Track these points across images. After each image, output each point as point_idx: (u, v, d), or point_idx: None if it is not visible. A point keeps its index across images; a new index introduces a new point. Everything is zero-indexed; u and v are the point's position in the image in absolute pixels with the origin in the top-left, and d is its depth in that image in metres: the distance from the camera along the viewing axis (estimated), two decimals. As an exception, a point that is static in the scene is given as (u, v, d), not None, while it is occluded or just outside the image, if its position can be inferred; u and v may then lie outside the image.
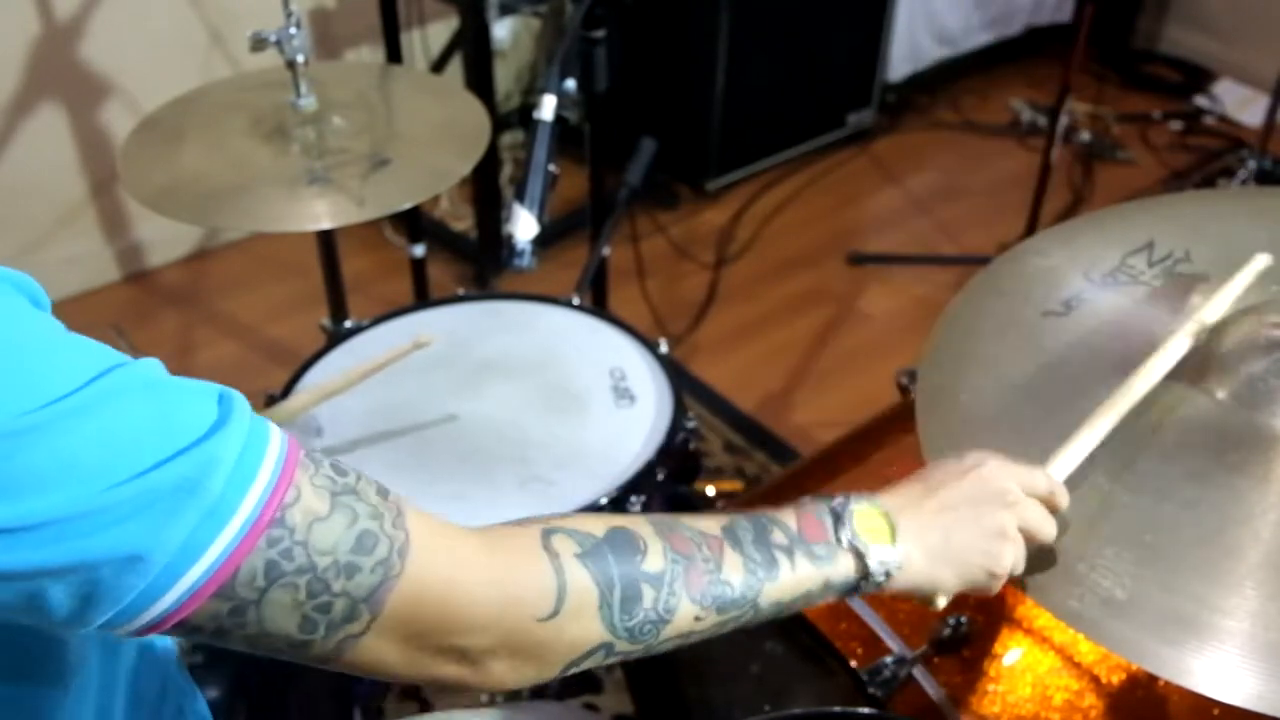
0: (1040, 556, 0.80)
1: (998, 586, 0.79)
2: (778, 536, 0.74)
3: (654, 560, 0.68)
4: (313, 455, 0.60)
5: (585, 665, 0.67)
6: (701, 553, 0.70)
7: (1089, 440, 0.84)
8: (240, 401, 0.58)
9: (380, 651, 0.61)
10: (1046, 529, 0.80)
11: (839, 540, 0.74)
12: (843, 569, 0.74)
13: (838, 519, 0.75)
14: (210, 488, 0.54)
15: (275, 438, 0.58)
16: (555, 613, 0.64)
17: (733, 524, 0.74)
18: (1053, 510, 0.81)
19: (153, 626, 0.55)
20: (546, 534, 0.66)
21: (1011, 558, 0.78)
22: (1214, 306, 0.91)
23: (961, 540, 0.77)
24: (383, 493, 0.62)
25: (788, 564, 0.73)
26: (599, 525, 0.68)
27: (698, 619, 0.69)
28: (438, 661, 0.63)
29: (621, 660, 0.68)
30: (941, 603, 0.80)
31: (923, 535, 0.76)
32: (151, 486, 0.52)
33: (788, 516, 0.75)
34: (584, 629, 0.65)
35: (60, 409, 0.51)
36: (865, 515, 0.76)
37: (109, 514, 0.51)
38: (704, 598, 0.69)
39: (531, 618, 0.64)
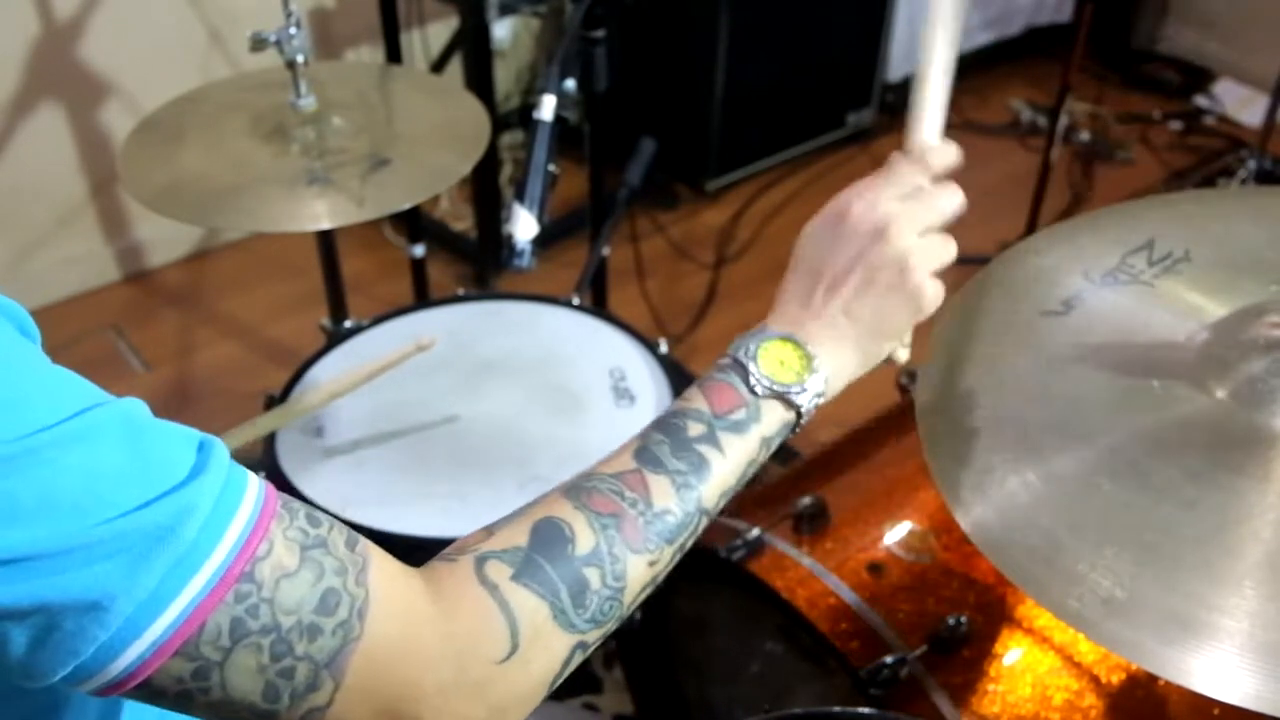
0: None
1: (935, 305, 0.75)
2: (693, 429, 0.70)
3: (584, 540, 0.64)
4: (289, 505, 0.58)
5: (568, 671, 0.65)
6: (626, 499, 0.66)
7: (938, 86, 0.79)
8: (219, 449, 0.56)
9: None
10: (945, 208, 0.75)
11: (755, 393, 0.71)
12: (773, 419, 0.71)
13: (744, 372, 0.71)
14: (183, 536, 0.52)
15: (253, 488, 0.56)
16: (515, 649, 0.61)
17: (645, 443, 0.70)
18: (945, 175, 0.76)
19: (115, 685, 0.53)
20: (479, 564, 0.63)
21: (932, 287, 0.74)
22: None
23: (874, 309, 0.73)
24: (351, 543, 0.59)
25: (716, 453, 0.69)
26: (521, 530, 0.65)
27: (652, 564, 0.67)
28: None
29: (600, 642, 0.66)
30: (902, 355, 0.77)
31: (835, 332, 0.73)
32: (127, 530, 0.50)
33: (695, 399, 0.71)
34: (550, 648, 0.63)
35: (42, 440, 0.49)
36: (770, 352, 0.72)
37: (83, 554, 0.49)
38: (648, 542, 0.66)
39: (492, 662, 0.61)
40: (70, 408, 0.51)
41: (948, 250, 0.76)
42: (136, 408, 0.55)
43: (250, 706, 0.56)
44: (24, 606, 0.49)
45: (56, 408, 0.51)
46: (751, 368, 0.71)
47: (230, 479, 0.55)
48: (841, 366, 0.74)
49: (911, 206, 0.75)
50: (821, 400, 0.73)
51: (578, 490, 0.68)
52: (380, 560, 0.60)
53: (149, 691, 0.54)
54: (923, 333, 0.97)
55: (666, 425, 0.71)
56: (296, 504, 0.59)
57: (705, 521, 0.70)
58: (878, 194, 0.75)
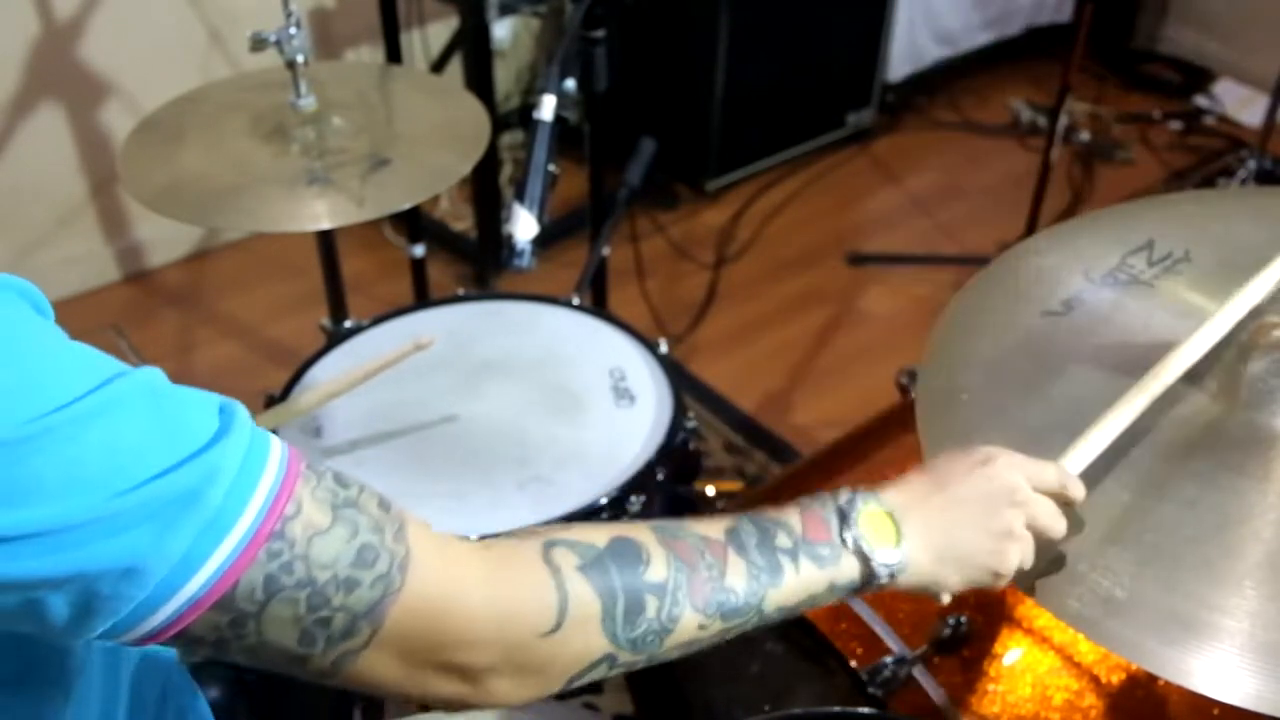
0: (1049, 555, 0.79)
1: (1003, 584, 0.78)
2: (782, 539, 0.72)
3: (657, 570, 0.67)
4: (315, 467, 0.60)
5: (588, 678, 0.66)
6: (705, 560, 0.69)
7: (1107, 433, 0.82)
8: (241, 412, 0.58)
9: (379, 667, 0.60)
10: (1055, 526, 0.78)
11: (844, 541, 0.73)
12: (847, 571, 0.73)
13: (843, 519, 0.74)
14: (210, 499, 0.53)
15: (276, 449, 0.58)
16: (557, 627, 0.63)
17: (736, 527, 0.72)
18: (1066, 505, 0.79)
19: (152, 636, 0.55)
20: (548, 546, 0.65)
21: (1018, 557, 0.76)
22: (1252, 293, 0.89)
23: (967, 539, 0.76)
24: (384, 505, 0.61)
25: (792, 568, 0.71)
26: (601, 535, 0.67)
27: (701, 627, 0.68)
28: (438, 678, 0.62)
29: (624, 671, 0.68)
30: (945, 599, 0.79)
31: (928, 534, 0.75)
32: (153, 497, 0.52)
33: (792, 517, 0.74)
34: (586, 642, 0.65)
35: (64, 416, 0.50)
36: (870, 515, 0.74)
37: (110, 523, 0.51)
38: (708, 605, 0.68)
39: (533, 633, 0.63)
40: (90, 382, 0.52)
41: (1030, 555, 0.78)
42: (155, 376, 0.56)
43: (285, 651, 0.58)
44: (61, 576, 0.51)
45: (77, 384, 0.52)
46: (851, 518, 0.74)
47: (254, 441, 0.57)
48: (917, 563, 0.75)
49: (1038, 500, 0.78)
50: (888, 579, 0.74)
51: (665, 530, 0.70)
52: (419, 522, 0.63)
53: (186, 639, 0.56)
54: (922, 332, 0.97)
55: (758, 522, 0.73)
56: (323, 466, 0.61)
57: (757, 622, 0.71)
58: (1024, 468, 0.78)
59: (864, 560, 0.73)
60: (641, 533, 0.69)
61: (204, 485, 0.53)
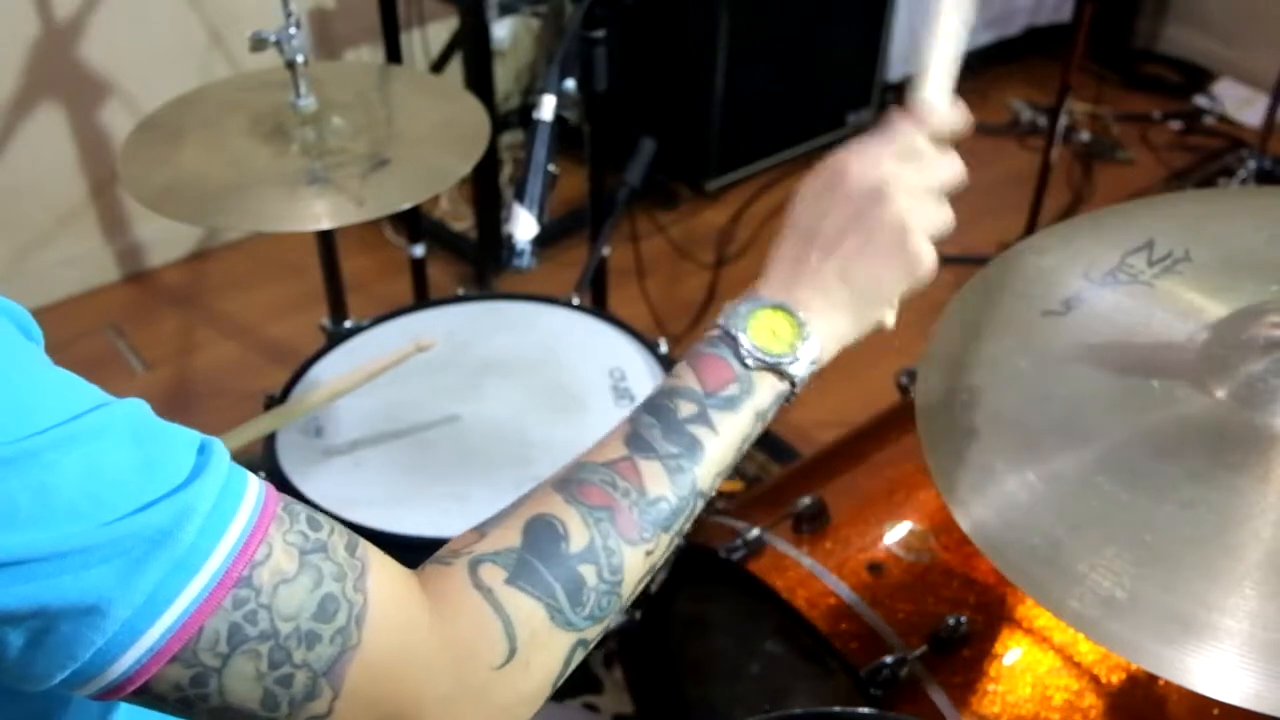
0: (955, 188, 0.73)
1: (930, 275, 0.73)
2: (684, 409, 0.67)
3: (578, 537, 0.63)
4: (289, 507, 0.58)
5: (570, 670, 0.64)
6: (619, 489, 0.65)
7: (949, 41, 0.76)
8: (219, 450, 0.56)
9: None
10: (952, 174, 0.73)
11: (747, 366, 0.68)
12: (767, 392, 0.69)
13: (735, 344, 0.69)
14: (181, 538, 0.51)
15: (252, 490, 0.56)
16: (512, 653, 0.61)
17: (635, 427, 0.68)
18: (948, 139, 0.74)
19: (114, 690, 0.52)
20: (472, 568, 0.62)
21: (927, 238, 0.71)
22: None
23: (869, 272, 0.71)
24: (351, 547, 0.59)
25: (709, 433, 0.67)
26: (513, 530, 0.64)
27: (649, 553, 0.65)
28: None
29: (601, 636, 0.65)
30: (890, 319, 0.74)
31: (828, 298, 0.70)
32: (125, 533, 0.50)
33: (685, 376, 0.69)
34: (549, 649, 0.62)
35: (42, 442, 0.49)
36: (761, 321, 0.69)
37: (79, 558, 0.49)
38: (643, 532, 0.65)
39: (491, 668, 0.60)
40: (71, 410, 0.51)
41: (945, 216, 0.74)
42: (138, 409, 0.54)
43: (250, 714, 0.56)
44: (20, 610, 0.49)
45: (57, 410, 0.50)
46: (742, 339, 0.69)
47: (229, 480, 0.55)
48: (835, 332, 0.71)
49: (911, 168, 0.72)
50: (815, 368, 0.70)
51: (568, 483, 0.66)
52: (379, 565, 0.60)
53: (149, 697, 0.54)
54: (922, 332, 0.97)
55: (657, 407, 0.69)
56: (298, 507, 0.58)
57: (701, 503, 0.68)
58: (877, 154, 0.72)
59: (778, 372, 0.69)
60: (549, 501, 0.65)
61: (176, 525, 0.51)
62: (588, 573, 0.63)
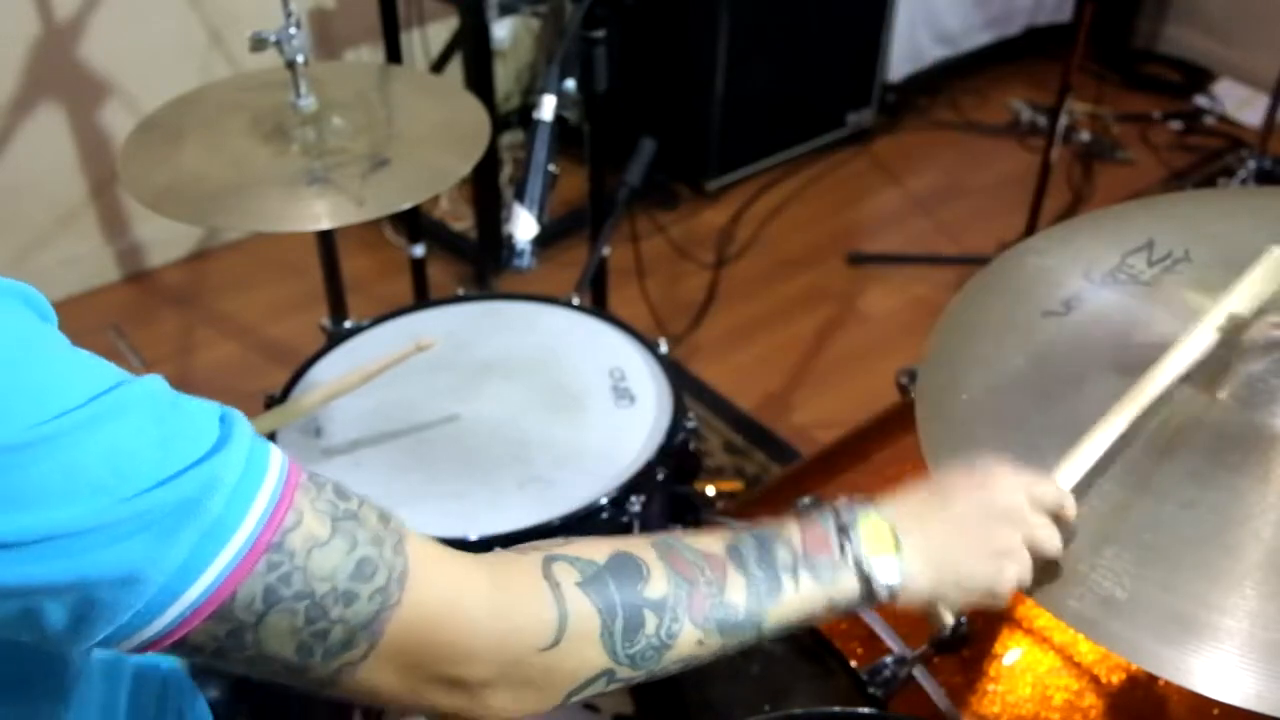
0: (1045, 569, 0.79)
1: (1002, 604, 0.78)
2: (782, 554, 0.72)
3: (657, 585, 0.67)
4: (315, 478, 0.60)
5: (587, 693, 0.66)
6: (704, 575, 0.69)
7: (1099, 445, 0.82)
8: (241, 421, 0.58)
9: (378, 679, 0.60)
10: (1053, 545, 0.78)
11: (844, 557, 0.73)
12: (846, 588, 0.73)
13: (843, 533, 0.73)
14: (210, 508, 0.53)
15: (276, 460, 0.58)
16: (556, 642, 0.63)
17: (737, 541, 0.72)
18: (1061, 521, 0.79)
19: (150, 645, 0.54)
20: (548, 561, 0.65)
21: (1016, 576, 0.77)
22: (1235, 300, 0.89)
23: (968, 558, 0.76)
24: (384, 518, 0.61)
25: (792, 584, 0.71)
26: (601, 551, 0.67)
27: (700, 643, 0.68)
28: (436, 691, 0.62)
29: (623, 685, 0.67)
30: (947, 619, 0.80)
31: (929, 552, 0.74)
32: (154, 505, 0.52)
33: (791, 531, 0.74)
34: (585, 658, 0.65)
35: (67, 422, 0.50)
36: (871, 529, 0.74)
37: (111, 531, 0.51)
38: (707, 621, 0.68)
39: (532, 648, 0.63)
40: (93, 389, 0.52)
41: (1028, 572, 0.78)
42: (158, 384, 0.56)
43: (284, 661, 0.58)
44: (60, 583, 0.51)
45: (80, 390, 0.52)
46: (851, 530, 0.73)
47: (254, 450, 0.57)
48: (918, 584, 0.75)
49: (1037, 514, 0.78)
50: (889, 598, 0.74)
51: (664, 545, 0.69)
52: (418, 535, 0.62)
53: (185, 648, 0.56)
54: (923, 332, 0.97)
55: (759, 536, 0.73)
56: (324, 478, 0.61)
57: (755, 637, 0.71)
58: (1021, 484, 0.78)
59: (863, 578, 0.73)
60: (641, 548, 0.68)
61: (204, 494, 0.53)
62: (650, 619, 0.66)
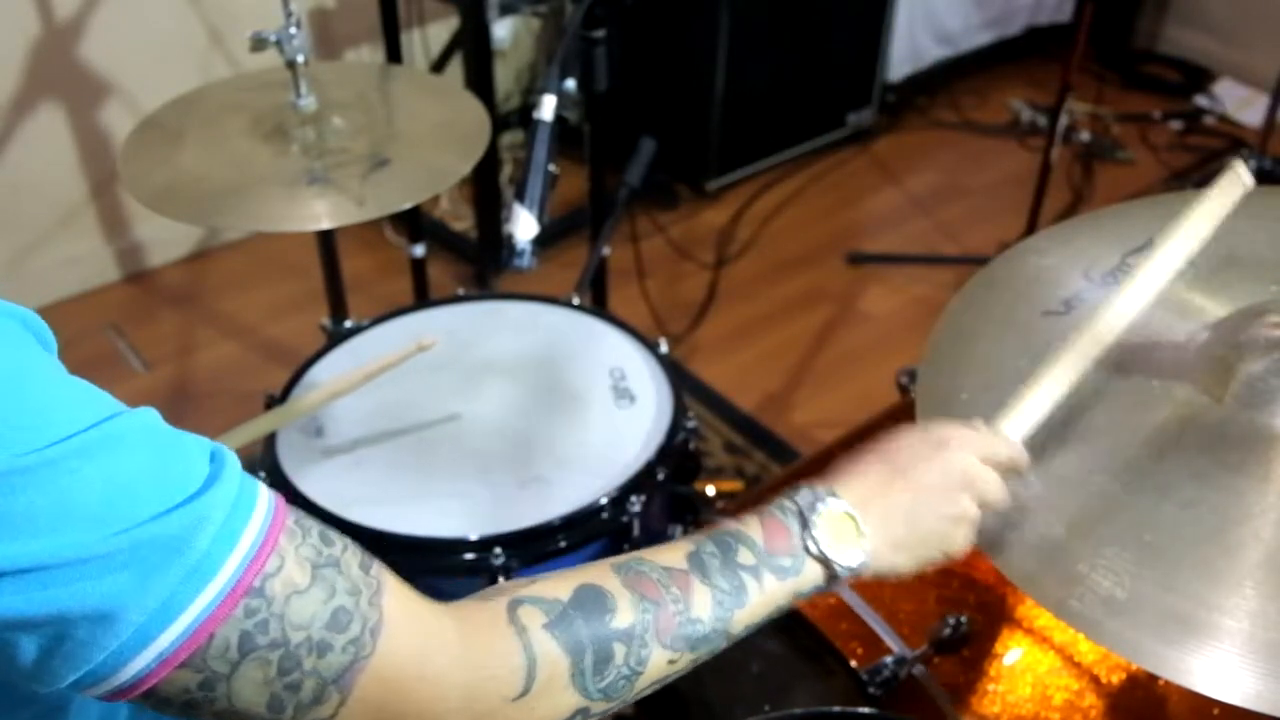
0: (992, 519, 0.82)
1: (952, 560, 0.80)
2: (744, 556, 0.72)
3: (624, 615, 0.67)
4: (301, 522, 0.59)
5: None
6: (670, 593, 0.69)
7: (1045, 396, 0.83)
8: (231, 459, 0.57)
9: None
10: (1002, 500, 0.80)
11: (806, 549, 0.74)
12: (810, 578, 0.74)
13: (804, 524, 0.74)
14: (196, 546, 0.52)
15: (263, 500, 0.57)
16: (526, 691, 0.63)
17: (698, 550, 0.72)
18: (1014, 473, 0.81)
19: (121, 692, 0.53)
20: (513, 606, 0.65)
21: (968, 536, 0.79)
22: (1197, 219, 0.90)
23: (924, 526, 0.78)
24: (365, 566, 0.60)
25: (756, 586, 0.72)
26: (565, 587, 0.67)
27: (671, 662, 0.69)
28: None
29: (600, 718, 0.68)
30: (908, 571, 0.81)
31: (888, 526, 0.77)
32: (143, 540, 0.51)
33: (753, 528, 0.74)
34: (557, 701, 0.64)
35: (62, 450, 0.50)
36: (833, 520, 0.75)
37: (98, 564, 0.50)
38: (675, 641, 0.69)
39: (502, 698, 0.62)
40: (88, 419, 0.51)
41: (999, 498, 0.81)
42: (152, 417, 0.55)
43: (256, 716, 0.56)
44: (38, 616, 0.49)
45: (75, 419, 0.51)
46: (812, 521, 0.74)
47: (242, 490, 0.56)
48: (878, 559, 0.77)
49: (989, 470, 0.80)
50: (846, 578, 0.76)
51: (628, 569, 0.69)
52: (396, 585, 0.61)
53: (155, 699, 0.55)
54: (923, 332, 0.97)
55: (720, 540, 0.73)
56: (310, 521, 0.60)
57: (725, 644, 0.72)
58: (974, 445, 0.80)
59: (826, 565, 0.74)
60: (605, 577, 0.68)
61: (191, 533, 0.52)
62: (619, 650, 0.66)
